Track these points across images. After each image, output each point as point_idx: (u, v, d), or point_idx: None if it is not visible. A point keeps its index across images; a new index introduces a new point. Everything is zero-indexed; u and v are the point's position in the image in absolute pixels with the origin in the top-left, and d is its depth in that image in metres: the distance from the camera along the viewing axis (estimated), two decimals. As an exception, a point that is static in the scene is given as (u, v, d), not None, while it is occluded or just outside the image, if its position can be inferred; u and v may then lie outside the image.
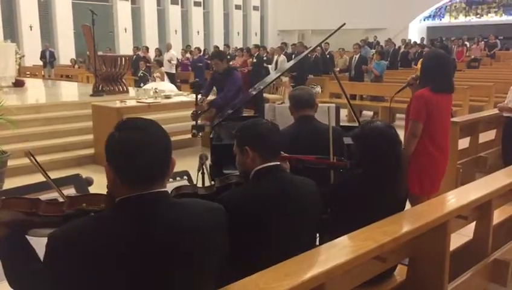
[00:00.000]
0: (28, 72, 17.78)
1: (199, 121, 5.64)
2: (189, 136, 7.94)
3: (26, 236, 1.61)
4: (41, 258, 1.50)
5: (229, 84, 5.85)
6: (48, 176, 1.79)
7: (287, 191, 2.04)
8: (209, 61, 16.79)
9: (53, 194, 1.91)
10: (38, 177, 1.91)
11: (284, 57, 12.35)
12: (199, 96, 5.86)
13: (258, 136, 2.07)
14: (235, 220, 1.80)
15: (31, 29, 19.56)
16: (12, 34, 18.60)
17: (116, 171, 1.46)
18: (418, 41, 20.58)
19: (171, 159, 1.53)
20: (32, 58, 18.35)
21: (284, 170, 2.16)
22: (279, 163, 2.11)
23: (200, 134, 5.46)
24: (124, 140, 1.45)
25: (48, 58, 17.71)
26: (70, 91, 11.99)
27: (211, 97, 6.50)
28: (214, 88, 6.50)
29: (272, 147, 2.08)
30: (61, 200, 1.67)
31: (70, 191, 2.13)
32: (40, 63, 17.97)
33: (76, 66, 18.63)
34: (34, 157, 1.74)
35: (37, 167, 1.73)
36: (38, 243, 1.61)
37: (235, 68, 7.11)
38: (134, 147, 1.43)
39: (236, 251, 1.79)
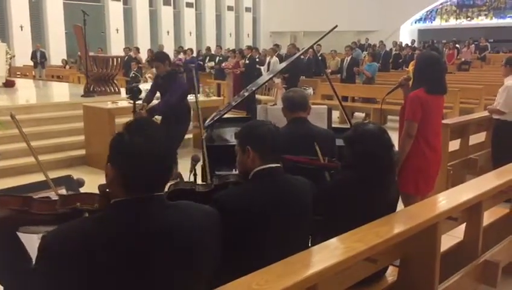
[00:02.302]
0: (18, 73, 17.65)
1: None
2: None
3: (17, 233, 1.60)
4: (32, 256, 1.49)
5: (171, 90, 5.35)
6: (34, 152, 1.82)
7: (285, 193, 2.04)
8: (201, 62, 16.84)
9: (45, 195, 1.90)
10: (29, 178, 1.90)
11: (277, 58, 12.36)
12: (140, 102, 5.51)
13: (260, 137, 2.08)
14: (231, 220, 1.81)
15: (21, 29, 19.42)
16: (2, 34, 18.44)
17: (120, 174, 1.45)
18: (409, 44, 20.68)
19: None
20: (23, 58, 18.21)
21: (283, 172, 2.16)
22: (279, 165, 2.11)
23: None
24: (134, 145, 1.44)
25: (39, 58, 17.58)
26: (61, 92, 11.91)
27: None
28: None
29: (272, 149, 2.09)
30: (54, 198, 1.66)
31: (62, 192, 2.12)
32: (31, 63, 17.83)
33: (67, 67, 18.53)
34: (17, 121, 1.78)
35: (21, 133, 1.76)
36: (29, 241, 1.60)
37: (179, 71, 6.38)
38: (144, 154, 1.44)
39: (232, 250, 1.80)
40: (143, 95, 5.88)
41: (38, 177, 2.06)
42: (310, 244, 2.34)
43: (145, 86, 9.79)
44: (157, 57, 5.74)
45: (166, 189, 2.12)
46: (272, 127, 2.15)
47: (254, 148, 2.05)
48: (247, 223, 1.93)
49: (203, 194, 2.17)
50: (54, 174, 2.17)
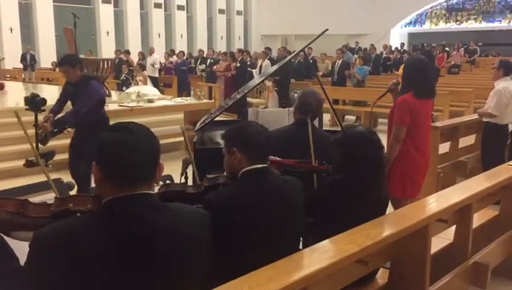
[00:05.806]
0: (7, 75, 17.49)
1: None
2: (173, 140, 7.96)
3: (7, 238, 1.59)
4: (20, 260, 1.49)
5: (82, 98, 4.63)
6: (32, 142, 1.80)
7: (274, 194, 2.05)
8: (193, 65, 16.80)
9: (37, 198, 1.90)
10: (20, 182, 1.89)
11: (268, 61, 12.38)
12: (47, 113, 4.96)
13: (246, 138, 2.08)
14: (220, 221, 1.81)
15: (11, 32, 19.26)
16: (-9, 36, 18.32)
17: (103, 171, 1.46)
18: (399, 48, 20.79)
19: (159, 162, 1.53)
20: (13, 60, 18.05)
21: (271, 172, 2.16)
22: (266, 165, 2.11)
23: (50, 166, 4.00)
24: (113, 140, 1.46)
25: (29, 61, 17.47)
26: (51, 94, 11.77)
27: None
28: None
29: (259, 149, 2.09)
30: (49, 203, 1.67)
31: (52, 195, 2.11)
32: (21, 66, 17.70)
33: (57, 69, 18.37)
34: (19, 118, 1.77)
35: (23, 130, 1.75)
36: (19, 248, 1.59)
37: (93, 76, 5.50)
38: (122, 147, 1.44)
39: (221, 252, 1.80)
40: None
41: (26, 181, 2.05)
42: (301, 246, 2.35)
43: (136, 89, 9.83)
44: (67, 60, 4.83)
45: (156, 190, 2.13)
46: (259, 128, 2.15)
47: (241, 150, 2.05)
48: (236, 223, 1.93)
49: (193, 196, 2.17)
50: (43, 178, 2.16)
